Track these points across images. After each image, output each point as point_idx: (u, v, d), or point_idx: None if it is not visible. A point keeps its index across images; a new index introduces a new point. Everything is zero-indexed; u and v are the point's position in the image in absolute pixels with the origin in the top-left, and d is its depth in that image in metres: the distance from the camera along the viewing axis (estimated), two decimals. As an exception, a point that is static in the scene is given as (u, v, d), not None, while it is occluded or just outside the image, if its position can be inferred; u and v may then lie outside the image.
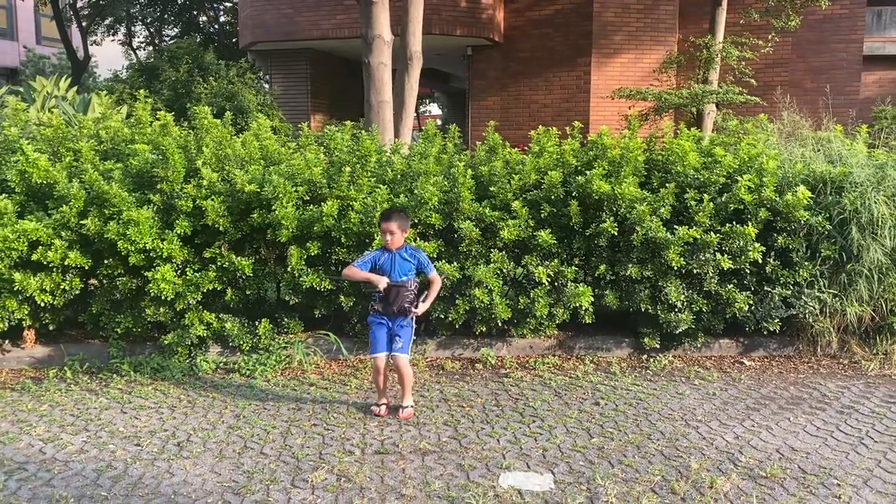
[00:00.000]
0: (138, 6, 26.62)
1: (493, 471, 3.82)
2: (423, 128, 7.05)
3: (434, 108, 41.50)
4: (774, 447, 4.18)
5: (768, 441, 4.27)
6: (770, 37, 11.24)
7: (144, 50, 29.20)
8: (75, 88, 9.79)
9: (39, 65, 33.09)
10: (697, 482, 3.71)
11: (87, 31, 26.86)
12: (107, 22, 27.80)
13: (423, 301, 4.61)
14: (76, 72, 25.49)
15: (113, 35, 28.75)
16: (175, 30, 28.22)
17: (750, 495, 3.58)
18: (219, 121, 6.18)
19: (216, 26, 28.09)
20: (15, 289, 5.12)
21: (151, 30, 28.68)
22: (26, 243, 5.07)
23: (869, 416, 4.68)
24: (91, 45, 27.40)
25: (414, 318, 4.59)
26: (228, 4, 27.57)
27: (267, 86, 14.82)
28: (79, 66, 25.86)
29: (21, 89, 9.44)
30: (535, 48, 13.85)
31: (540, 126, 6.58)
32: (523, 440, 4.23)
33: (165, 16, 27.46)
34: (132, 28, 28.66)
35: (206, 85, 10.45)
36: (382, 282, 4.41)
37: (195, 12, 27.26)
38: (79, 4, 26.35)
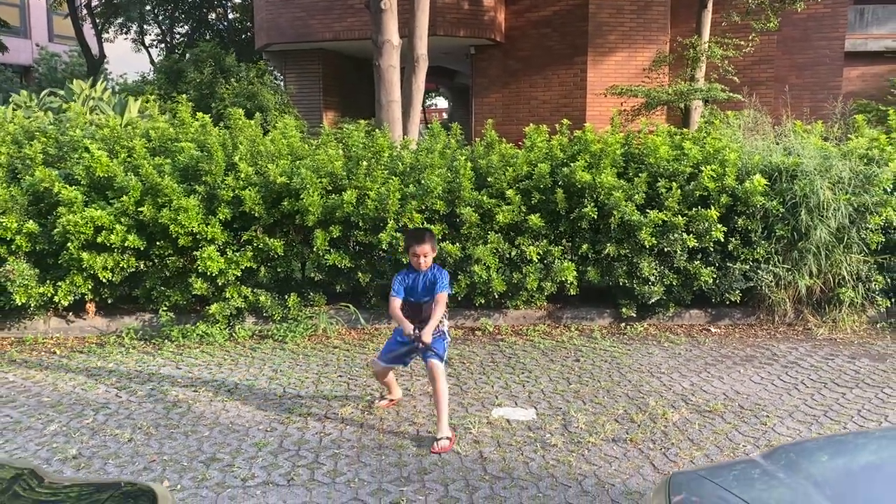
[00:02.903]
0: (150, 5, 27.48)
1: (488, 407, 4.70)
2: (429, 125, 7.90)
3: (440, 102, 42.21)
4: (722, 391, 5.04)
5: (717, 387, 5.13)
6: (751, 37, 12.02)
7: (156, 47, 30.11)
8: (110, 90, 10.66)
9: (52, 63, 33.95)
10: (653, 414, 4.58)
11: (101, 29, 27.70)
12: (119, 20, 28.68)
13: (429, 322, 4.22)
14: (91, 70, 26.34)
15: (125, 33, 29.65)
16: (185, 27, 29.11)
17: (693, 423, 4.45)
18: (251, 121, 7.04)
19: (225, 23, 28.92)
20: (83, 266, 6.01)
21: (163, 28, 29.56)
22: (92, 228, 5.95)
23: (807, 369, 5.54)
24: (104, 42, 28.24)
25: (445, 332, 4.42)
26: (237, 1, 28.34)
27: (281, 84, 15.67)
28: (94, 64, 26.71)
29: (62, 92, 10.33)
30: (535, 47, 14.64)
31: (537, 122, 7.44)
32: (513, 386, 5.11)
33: (176, 14, 28.31)
34: (144, 26, 29.53)
35: (228, 86, 11.32)
36: (409, 328, 4.17)
37: (205, 10, 28.10)
38: (93, 3, 27.16)
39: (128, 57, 47.82)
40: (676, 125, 10.84)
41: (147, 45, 29.65)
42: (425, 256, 4.29)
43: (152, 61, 29.28)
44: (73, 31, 26.69)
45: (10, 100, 9.78)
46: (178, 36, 29.66)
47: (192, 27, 28.52)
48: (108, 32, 29.01)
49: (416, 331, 4.15)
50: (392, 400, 4.75)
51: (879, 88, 14.84)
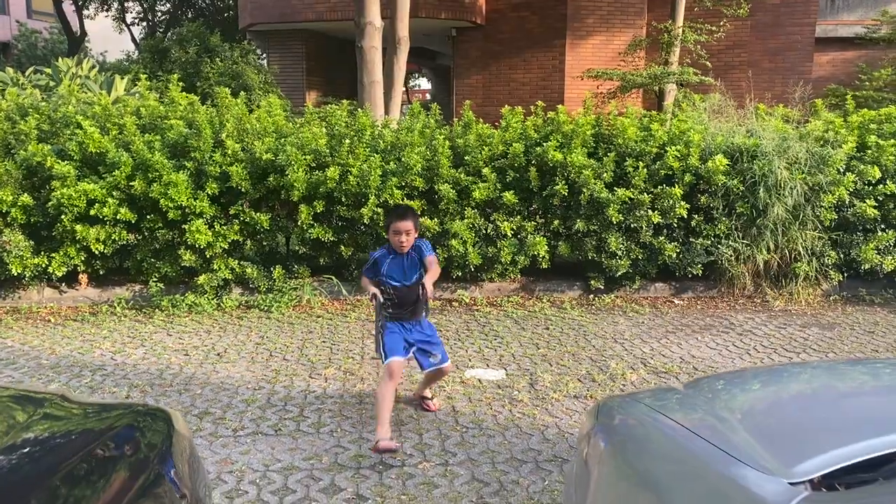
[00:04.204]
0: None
1: (461, 368, 5.05)
2: (410, 104, 8.18)
3: (424, 83, 42.24)
4: (679, 355, 5.43)
5: (675, 352, 5.52)
6: (722, 23, 12.37)
7: (138, 25, 29.93)
8: (96, 69, 10.80)
9: (31, 39, 33.63)
10: (613, 375, 4.95)
11: (82, 5, 27.49)
12: (100, -3, 28.45)
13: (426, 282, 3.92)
14: (72, 47, 26.19)
15: (106, 10, 29.44)
16: (167, 5, 28.94)
17: (650, 382, 4.83)
18: (237, 100, 7.29)
19: (207, 1, 28.78)
20: (76, 238, 6.28)
21: (144, 5, 29.38)
22: (85, 201, 6.21)
23: (760, 337, 5.94)
24: (85, 18, 28.05)
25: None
26: (220, -21, 28.14)
27: (264, 63, 15.83)
28: (75, 41, 26.56)
29: (48, 70, 10.46)
30: (514, 30, 14.90)
31: (517, 103, 7.76)
32: (486, 351, 5.47)
33: (158, -10, 28.13)
34: (125, 3, 29.32)
35: (213, 65, 11.50)
36: (374, 291, 3.97)
37: (186, -14, 27.94)
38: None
39: (106, 35, 47.22)
40: (652, 108, 11.20)
41: (128, 23, 29.46)
42: (407, 234, 3.91)
43: (134, 39, 29.16)
44: (52, 7, 26.46)
45: (-3, 77, 9.92)
46: (159, 14, 29.51)
47: (174, 5, 28.38)
48: (88, 9, 28.79)
49: (376, 298, 3.95)
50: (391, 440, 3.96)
51: (849, 74, 15.28)
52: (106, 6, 29.11)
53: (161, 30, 28.03)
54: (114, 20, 29.85)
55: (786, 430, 1.66)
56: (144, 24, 29.46)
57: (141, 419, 1.98)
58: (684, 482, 1.60)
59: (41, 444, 1.72)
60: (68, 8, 27.64)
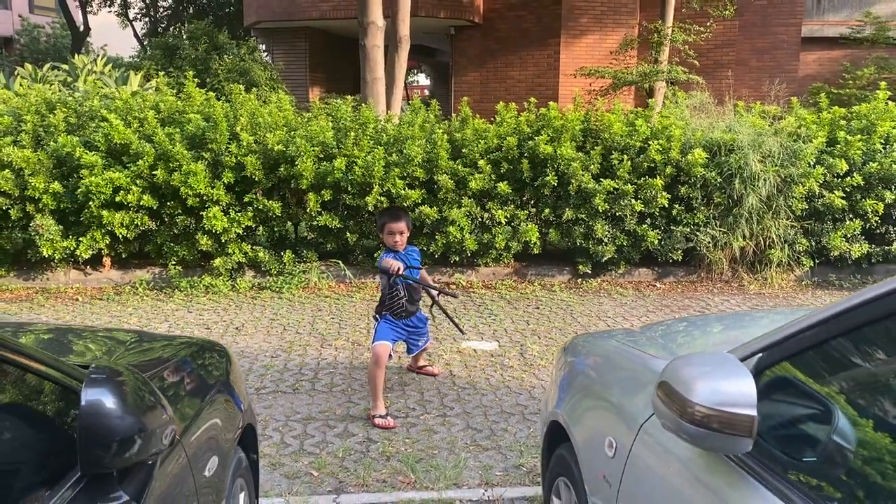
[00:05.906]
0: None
1: (458, 340, 5.58)
2: (410, 101, 8.68)
3: (422, 79, 42.72)
4: (656, 331, 5.96)
5: (653, 327, 6.05)
6: (709, 23, 12.89)
7: (140, 21, 30.37)
8: (111, 65, 11.29)
9: (34, 34, 34.04)
10: (595, 346, 5.49)
11: (86, 1, 27.90)
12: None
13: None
14: (76, 43, 26.63)
15: (109, 6, 29.89)
16: (168, 0, 29.39)
17: (628, 352, 5.37)
18: (250, 95, 7.80)
19: (210, -2, 29.18)
20: (102, 223, 6.78)
21: (147, 0, 29.81)
22: (111, 188, 6.72)
23: (733, 316, 6.47)
24: (88, 14, 28.47)
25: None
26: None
27: (268, 58, 16.32)
28: (78, 37, 26.99)
29: (66, 66, 10.95)
30: (511, 29, 15.41)
31: (513, 100, 8.29)
32: (481, 326, 6.00)
33: (161, -14, 28.56)
34: (128, -1, 29.75)
35: (221, 62, 12.00)
36: (399, 265, 4.13)
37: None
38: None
39: (105, 30, 47.64)
40: (644, 105, 11.71)
41: (131, 18, 29.91)
42: (401, 234, 4.17)
43: (136, 35, 29.63)
44: (54, 1, 26.86)
45: (16, 72, 10.40)
46: (161, 9, 29.97)
47: (176, 0, 28.82)
48: (91, 6, 29.21)
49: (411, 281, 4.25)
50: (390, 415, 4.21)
51: (834, 72, 15.80)
52: (108, 1, 29.53)
53: (163, 25, 28.50)
54: (117, 16, 30.30)
55: (692, 346, 2.24)
56: (147, 19, 29.91)
57: (209, 348, 2.51)
58: (622, 375, 2.19)
59: (144, 360, 2.25)
60: (71, 2, 28.03)
